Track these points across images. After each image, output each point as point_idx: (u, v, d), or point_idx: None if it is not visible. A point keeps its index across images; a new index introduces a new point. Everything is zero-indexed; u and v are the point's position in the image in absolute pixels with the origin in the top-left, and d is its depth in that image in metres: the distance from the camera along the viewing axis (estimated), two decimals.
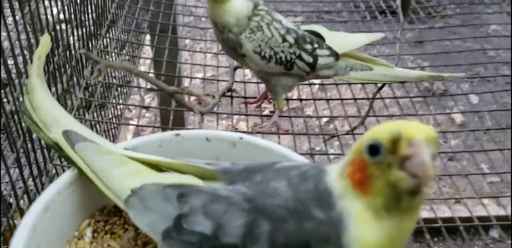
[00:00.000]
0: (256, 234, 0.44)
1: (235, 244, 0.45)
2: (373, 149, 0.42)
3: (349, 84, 1.11)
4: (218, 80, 1.14)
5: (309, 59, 0.89)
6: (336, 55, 0.90)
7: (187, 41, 2.36)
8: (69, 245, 0.58)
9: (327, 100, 1.07)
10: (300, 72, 0.91)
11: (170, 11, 1.35)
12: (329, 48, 0.90)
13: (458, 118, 2.02)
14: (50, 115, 0.58)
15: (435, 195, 1.45)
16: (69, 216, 0.58)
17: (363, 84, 1.05)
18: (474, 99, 1.93)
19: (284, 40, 0.88)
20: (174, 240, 0.47)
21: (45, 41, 0.60)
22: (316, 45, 0.89)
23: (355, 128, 0.96)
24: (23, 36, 0.73)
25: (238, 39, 0.86)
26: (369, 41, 0.94)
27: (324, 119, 1.94)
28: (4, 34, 0.63)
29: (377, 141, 0.42)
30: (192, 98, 1.43)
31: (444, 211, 1.12)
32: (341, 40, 0.92)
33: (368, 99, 1.04)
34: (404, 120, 0.44)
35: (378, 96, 0.99)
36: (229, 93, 1.01)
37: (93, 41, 1.02)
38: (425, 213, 0.74)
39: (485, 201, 1.38)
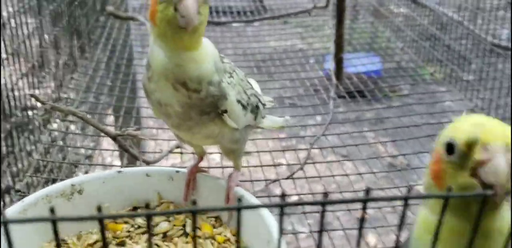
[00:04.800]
0: None
1: None
2: (450, 147, 0.41)
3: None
4: (181, 153, 1.18)
5: (262, 102, 0.77)
6: None
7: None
8: None
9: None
10: (258, 121, 0.76)
11: (134, 95, 1.47)
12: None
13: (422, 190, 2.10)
14: None
15: None
16: (20, 244, 0.64)
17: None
18: None
19: (246, 80, 0.73)
20: None
21: None
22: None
23: (293, 173, 1.05)
24: None
25: (221, 89, 0.64)
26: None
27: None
28: None
29: (453, 141, 0.40)
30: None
31: None
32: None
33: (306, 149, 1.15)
34: (485, 119, 0.42)
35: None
36: (178, 150, 1.10)
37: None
38: None
39: None
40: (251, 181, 1.06)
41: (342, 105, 1.50)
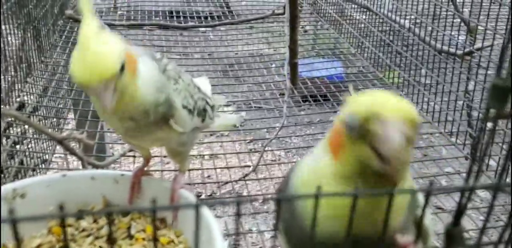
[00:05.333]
0: None
1: None
2: (349, 121, 0.42)
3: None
4: (135, 156, 1.19)
5: (211, 104, 0.78)
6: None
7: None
8: None
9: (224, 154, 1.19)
10: (207, 123, 0.78)
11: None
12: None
13: None
14: None
15: None
16: None
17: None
18: None
19: (193, 84, 0.74)
20: None
21: None
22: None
23: (246, 175, 1.07)
24: None
25: (169, 100, 0.65)
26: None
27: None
28: None
29: (353, 115, 0.41)
30: None
31: None
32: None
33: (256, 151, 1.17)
34: (385, 95, 0.42)
35: None
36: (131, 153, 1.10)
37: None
38: None
39: None
40: (204, 183, 1.08)
41: (305, 107, 1.53)
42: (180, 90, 0.68)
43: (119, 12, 2.20)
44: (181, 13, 2.18)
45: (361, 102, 0.42)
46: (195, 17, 2.15)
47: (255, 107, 1.60)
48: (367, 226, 0.40)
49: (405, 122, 0.39)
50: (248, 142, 1.98)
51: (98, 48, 0.54)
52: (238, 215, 0.39)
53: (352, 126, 0.41)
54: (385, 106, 0.40)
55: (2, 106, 1.08)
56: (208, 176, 1.56)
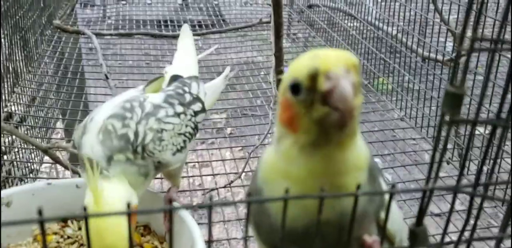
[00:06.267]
0: None
1: None
2: (295, 87, 0.40)
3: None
4: None
5: (200, 107, 0.79)
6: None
7: None
8: None
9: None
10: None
11: (80, 99, 1.47)
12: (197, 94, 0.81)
13: None
14: None
15: None
16: None
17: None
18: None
19: (178, 115, 0.74)
20: None
21: None
22: (192, 92, 0.79)
23: (231, 182, 1.09)
24: None
25: (160, 162, 0.71)
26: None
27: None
28: None
29: (296, 79, 0.40)
30: None
31: None
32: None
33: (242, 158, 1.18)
34: (319, 50, 0.41)
35: None
36: None
37: None
38: None
39: None
40: (190, 190, 1.09)
41: None
42: (167, 145, 0.71)
43: (108, 21, 2.21)
44: (169, 22, 2.19)
45: (298, 65, 0.41)
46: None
47: (242, 114, 1.61)
48: (326, 210, 0.39)
49: (349, 69, 0.39)
50: (240, 150, 1.99)
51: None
52: (209, 220, 0.41)
53: (298, 90, 0.40)
54: (323, 59, 0.39)
55: None
56: (199, 185, 1.57)
